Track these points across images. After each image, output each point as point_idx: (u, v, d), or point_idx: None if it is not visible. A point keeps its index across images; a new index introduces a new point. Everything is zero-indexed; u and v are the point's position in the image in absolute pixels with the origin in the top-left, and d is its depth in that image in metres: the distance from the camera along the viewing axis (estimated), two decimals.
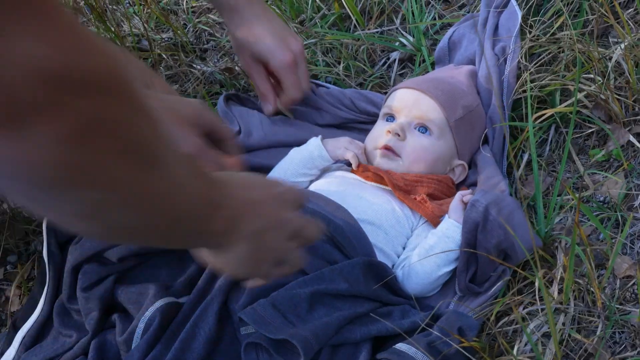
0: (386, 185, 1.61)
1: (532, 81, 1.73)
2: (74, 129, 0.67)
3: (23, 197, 0.74)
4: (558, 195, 1.69)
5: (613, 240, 1.56)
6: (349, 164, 1.69)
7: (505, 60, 1.73)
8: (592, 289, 1.45)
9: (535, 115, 1.70)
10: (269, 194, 1.11)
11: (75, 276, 1.46)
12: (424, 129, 1.67)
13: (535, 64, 1.73)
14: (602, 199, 1.64)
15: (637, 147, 1.66)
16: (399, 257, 1.57)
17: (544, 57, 1.73)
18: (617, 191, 1.62)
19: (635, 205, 1.62)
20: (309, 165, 1.70)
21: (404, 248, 1.59)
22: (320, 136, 1.73)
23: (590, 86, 1.70)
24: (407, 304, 1.46)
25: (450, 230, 1.55)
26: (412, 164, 1.65)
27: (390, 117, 1.71)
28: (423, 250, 1.54)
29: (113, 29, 2.16)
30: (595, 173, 1.70)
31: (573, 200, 1.63)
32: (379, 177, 1.63)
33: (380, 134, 1.69)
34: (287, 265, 1.18)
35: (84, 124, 0.67)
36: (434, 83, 1.71)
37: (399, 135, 1.66)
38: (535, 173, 1.61)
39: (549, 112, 1.69)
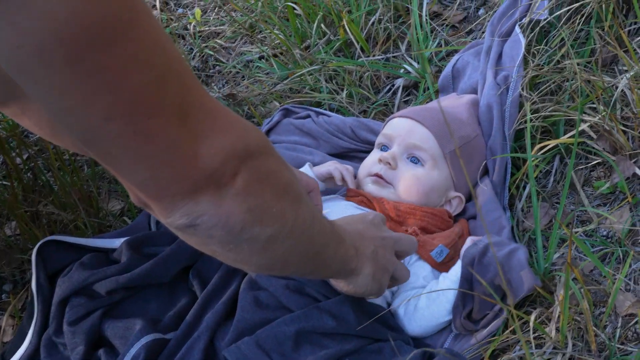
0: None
1: (535, 111, 1.69)
2: (250, 181, 0.92)
3: (218, 244, 0.96)
4: (567, 228, 1.65)
5: (616, 277, 1.51)
6: (343, 193, 1.66)
7: (507, 89, 1.69)
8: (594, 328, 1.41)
9: (538, 146, 1.66)
10: (366, 222, 1.34)
11: (62, 309, 1.44)
12: (415, 159, 1.64)
13: (538, 94, 1.69)
14: (605, 233, 1.60)
15: None
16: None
17: (548, 87, 1.69)
18: (620, 226, 1.58)
19: (639, 241, 1.57)
20: None
21: None
22: (308, 163, 1.71)
23: (594, 117, 1.65)
24: (400, 339, 1.42)
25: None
26: (404, 193, 1.63)
27: (385, 147, 1.69)
28: (434, 294, 1.49)
29: None
30: (600, 205, 1.66)
31: (576, 234, 1.59)
32: (371, 204, 1.60)
33: (372, 162, 1.68)
34: (397, 278, 1.38)
35: (256, 176, 0.94)
36: (430, 112, 1.68)
37: (389, 164, 1.64)
38: (534, 207, 1.57)
39: (552, 143, 1.65)
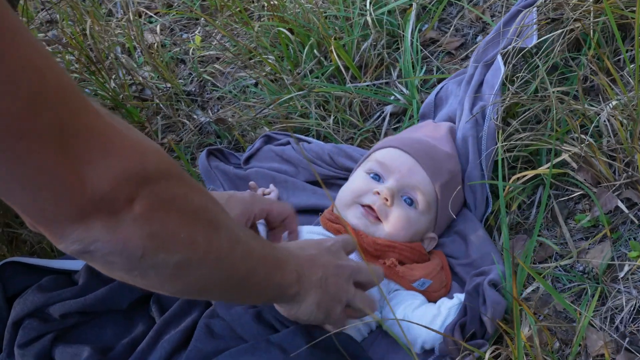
0: None
1: (514, 140, 1.64)
2: (150, 206, 0.91)
3: (121, 270, 0.94)
4: (540, 263, 1.59)
5: (593, 314, 1.45)
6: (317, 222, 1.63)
7: (484, 119, 1.64)
8: None
9: (516, 176, 1.61)
10: (322, 249, 1.32)
11: (15, 332, 1.43)
12: (409, 200, 1.59)
13: (520, 122, 1.64)
14: (581, 268, 1.53)
15: (627, 214, 1.55)
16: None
17: (528, 115, 1.64)
18: (598, 261, 1.51)
19: (619, 277, 1.50)
20: None
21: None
22: None
23: (576, 147, 1.60)
24: None
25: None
26: (392, 233, 1.57)
27: (376, 175, 1.62)
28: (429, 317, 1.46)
29: (113, 80, 2.17)
30: (582, 239, 1.59)
31: (549, 268, 1.53)
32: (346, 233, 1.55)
33: (365, 190, 1.59)
34: (357, 309, 1.33)
35: (157, 202, 0.92)
36: (421, 145, 1.63)
37: (387, 200, 1.57)
38: (505, 239, 1.52)
39: (530, 173, 1.59)
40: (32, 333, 1.41)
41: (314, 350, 1.33)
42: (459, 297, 1.48)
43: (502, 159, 1.58)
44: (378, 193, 1.57)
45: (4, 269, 1.51)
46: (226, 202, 1.43)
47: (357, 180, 1.64)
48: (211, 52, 2.37)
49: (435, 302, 1.51)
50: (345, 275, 1.32)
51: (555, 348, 1.43)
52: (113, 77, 2.19)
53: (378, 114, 2.01)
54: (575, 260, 1.54)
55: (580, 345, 1.41)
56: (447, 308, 1.46)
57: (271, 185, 1.77)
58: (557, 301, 1.45)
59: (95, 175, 0.85)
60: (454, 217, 1.62)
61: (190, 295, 1.14)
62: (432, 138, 1.68)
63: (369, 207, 1.58)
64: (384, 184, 1.59)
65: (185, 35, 2.53)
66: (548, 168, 1.57)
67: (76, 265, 1.54)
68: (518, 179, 1.61)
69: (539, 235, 1.62)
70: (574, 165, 1.62)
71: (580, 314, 1.39)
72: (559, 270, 1.54)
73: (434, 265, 1.58)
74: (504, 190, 1.58)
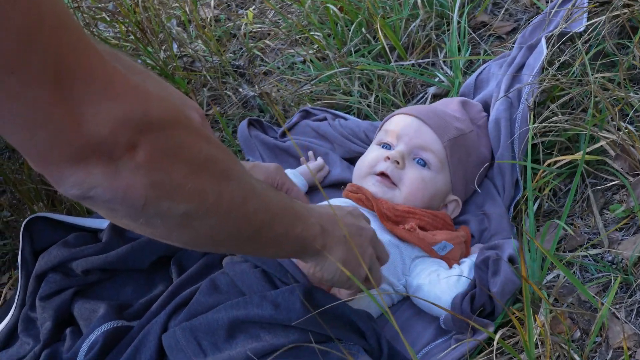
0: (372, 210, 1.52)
1: (552, 124, 1.59)
2: (152, 155, 0.88)
3: (125, 218, 0.93)
4: (570, 251, 1.54)
5: (617, 306, 1.40)
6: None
7: (519, 102, 1.60)
8: (576, 357, 1.31)
9: (550, 161, 1.56)
10: (343, 211, 1.30)
11: (39, 285, 1.46)
12: (422, 161, 1.58)
13: (556, 105, 1.59)
14: (610, 258, 1.48)
15: None
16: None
17: (565, 99, 1.59)
18: (629, 252, 1.46)
19: None
20: None
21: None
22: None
23: (614, 134, 1.54)
24: (361, 344, 1.31)
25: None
26: (409, 196, 1.56)
27: (387, 145, 1.62)
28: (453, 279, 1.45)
29: (163, 51, 2.19)
30: (617, 230, 1.54)
31: (580, 258, 1.48)
32: (370, 203, 1.54)
33: (377, 159, 1.59)
34: (375, 277, 1.30)
35: (162, 150, 0.89)
36: (429, 109, 1.65)
37: (398, 163, 1.56)
38: (530, 222, 1.48)
39: (563, 158, 1.55)
40: (53, 287, 1.44)
41: (309, 312, 1.27)
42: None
43: (535, 143, 1.53)
44: (389, 158, 1.58)
45: (33, 223, 1.54)
46: (250, 169, 1.42)
47: (370, 153, 1.65)
48: (263, 27, 2.38)
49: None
50: (368, 238, 1.29)
51: (576, 337, 1.39)
52: (163, 47, 2.22)
53: (421, 95, 1.98)
54: (606, 251, 1.49)
55: (601, 336, 1.37)
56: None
57: (319, 158, 1.77)
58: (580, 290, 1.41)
59: (93, 117, 0.83)
60: (475, 185, 1.60)
61: (201, 246, 1.10)
62: (441, 104, 1.71)
63: (383, 174, 1.58)
64: (394, 149, 1.60)
65: (241, 11, 2.55)
66: (585, 155, 1.52)
67: (103, 223, 1.56)
68: (551, 164, 1.56)
69: (571, 224, 1.58)
70: (612, 153, 1.56)
71: (601, 304, 1.34)
72: (589, 260, 1.50)
73: (458, 234, 1.56)
74: (536, 174, 1.54)
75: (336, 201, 1.55)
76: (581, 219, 1.60)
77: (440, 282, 1.44)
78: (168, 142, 0.91)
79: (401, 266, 1.50)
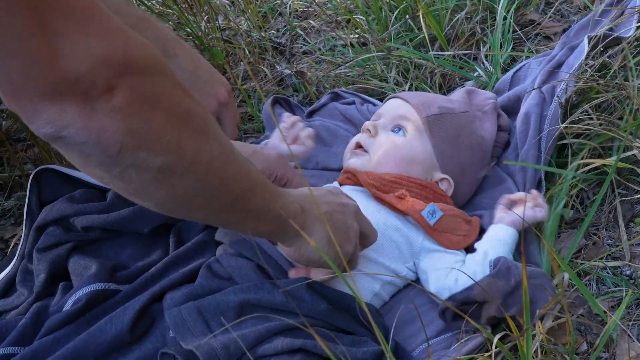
0: (362, 186, 1.47)
1: (583, 126, 1.51)
2: (131, 100, 0.85)
3: (99, 166, 0.89)
4: (588, 261, 1.46)
5: (631, 323, 1.33)
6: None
7: (552, 100, 1.53)
8: None
9: (575, 163, 1.49)
10: (322, 190, 1.26)
11: (38, 236, 1.45)
12: (398, 129, 1.55)
13: (590, 106, 1.52)
14: (629, 272, 1.40)
15: None
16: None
17: (599, 102, 1.52)
18: None
19: None
20: None
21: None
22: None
23: None
24: (365, 335, 1.28)
25: (500, 234, 1.41)
26: (380, 160, 1.52)
27: None
28: (479, 258, 1.37)
29: (205, 22, 2.17)
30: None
31: (596, 267, 1.41)
32: (356, 178, 1.49)
33: (356, 138, 1.59)
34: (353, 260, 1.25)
35: (140, 96, 0.86)
36: (422, 94, 1.66)
37: (369, 131, 1.55)
38: (551, 226, 1.41)
39: (591, 162, 1.47)
40: (52, 239, 1.43)
41: (318, 303, 1.27)
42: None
43: (564, 144, 1.46)
44: (363, 130, 1.58)
45: (43, 175, 1.53)
46: (250, 156, 1.38)
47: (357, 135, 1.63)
48: (310, 8, 2.34)
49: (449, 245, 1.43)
50: (351, 213, 1.24)
51: (582, 350, 1.32)
52: (205, 17, 2.20)
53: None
54: (626, 265, 1.42)
55: (609, 352, 1.30)
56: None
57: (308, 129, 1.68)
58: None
59: (71, 52, 0.79)
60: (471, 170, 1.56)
61: (176, 210, 1.02)
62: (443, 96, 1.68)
63: (357, 144, 1.57)
64: None
65: None
66: (614, 161, 1.45)
67: None
68: (579, 167, 1.49)
69: (594, 234, 1.50)
70: None
71: (610, 318, 1.27)
72: (607, 272, 1.42)
73: (454, 208, 1.49)
74: (561, 175, 1.47)
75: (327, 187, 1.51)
76: (605, 229, 1.52)
77: (449, 275, 1.38)
78: (147, 88, 0.87)
79: (408, 249, 1.44)
